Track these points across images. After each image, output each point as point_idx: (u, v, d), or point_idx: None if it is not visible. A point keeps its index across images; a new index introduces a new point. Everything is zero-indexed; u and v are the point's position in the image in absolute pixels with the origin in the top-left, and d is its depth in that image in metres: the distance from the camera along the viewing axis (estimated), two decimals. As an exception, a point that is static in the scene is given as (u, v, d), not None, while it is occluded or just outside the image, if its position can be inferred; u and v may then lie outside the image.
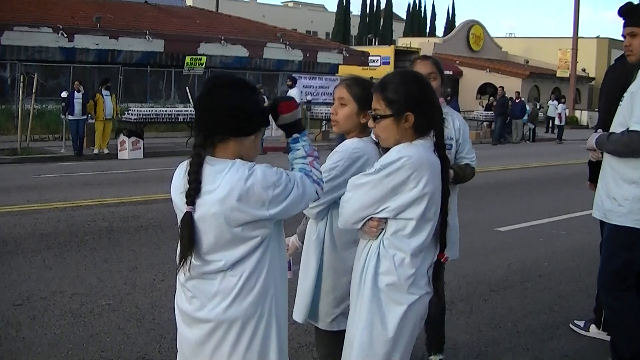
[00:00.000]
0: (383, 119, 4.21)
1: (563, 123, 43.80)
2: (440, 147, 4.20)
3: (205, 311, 3.77)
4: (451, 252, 5.75)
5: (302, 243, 5.13)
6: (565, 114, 45.38)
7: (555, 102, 48.70)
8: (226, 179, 3.65)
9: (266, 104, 3.94)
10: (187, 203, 3.69)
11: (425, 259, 4.20)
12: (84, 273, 9.54)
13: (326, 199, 4.61)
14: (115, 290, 8.78)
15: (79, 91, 25.94)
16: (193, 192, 3.68)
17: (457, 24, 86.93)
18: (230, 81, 3.84)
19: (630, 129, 5.60)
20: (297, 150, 3.90)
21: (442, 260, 4.28)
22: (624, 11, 5.96)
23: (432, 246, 4.24)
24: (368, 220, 4.19)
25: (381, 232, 4.20)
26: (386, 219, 4.16)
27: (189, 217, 3.70)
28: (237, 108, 3.73)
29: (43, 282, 9.09)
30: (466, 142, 6.17)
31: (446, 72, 63.56)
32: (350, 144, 4.74)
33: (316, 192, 3.86)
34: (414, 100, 4.17)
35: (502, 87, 40.99)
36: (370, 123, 4.36)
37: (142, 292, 8.75)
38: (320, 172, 3.93)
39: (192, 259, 3.75)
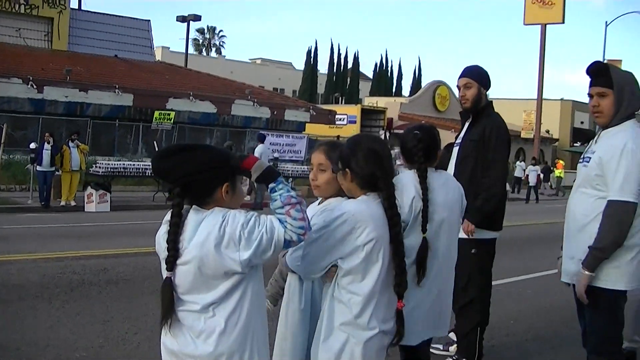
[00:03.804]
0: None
1: (534, 184, 44.40)
2: (386, 200, 4.58)
3: (191, 347, 4.00)
4: (442, 330, 5.94)
5: (274, 305, 5.25)
6: (538, 175, 45.99)
7: (523, 164, 49.30)
8: (203, 225, 3.94)
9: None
10: (167, 269, 3.99)
11: (381, 300, 4.50)
12: (57, 325, 9.56)
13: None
14: (88, 343, 8.80)
15: (48, 142, 25.96)
16: (172, 259, 3.98)
17: (423, 84, 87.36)
18: (185, 145, 4.15)
19: (610, 198, 5.54)
20: (275, 200, 4.00)
21: (399, 307, 4.57)
22: (592, 71, 5.88)
23: (388, 290, 4.55)
24: (331, 267, 4.52)
25: (335, 276, 4.54)
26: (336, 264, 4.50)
27: (169, 283, 3.99)
28: (202, 163, 4.01)
29: (17, 332, 9.11)
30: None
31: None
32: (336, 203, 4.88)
33: (292, 239, 3.94)
34: (349, 160, 4.66)
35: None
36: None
37: (116, 345, 8.78)
38: (303, 218, 3.96)
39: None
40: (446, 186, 5.84)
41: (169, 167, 4.02)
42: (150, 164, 30.20)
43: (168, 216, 4.06)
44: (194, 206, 4.06)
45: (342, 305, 4.50)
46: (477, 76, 7.75)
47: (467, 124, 7.91)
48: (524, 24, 59.84)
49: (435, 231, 5.61)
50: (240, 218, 3.91)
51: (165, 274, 4.00)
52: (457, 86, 7.85)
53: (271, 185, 4.04)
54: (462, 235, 6.82)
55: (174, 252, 3.95)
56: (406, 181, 5.62)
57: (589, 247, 5.58)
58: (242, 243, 3.86)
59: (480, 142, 7.58)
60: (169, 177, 4.06)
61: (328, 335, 4.53)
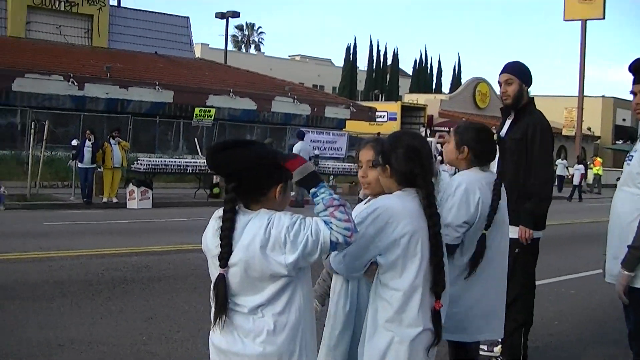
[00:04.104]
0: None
1: (577, 183, 44.15)
2: (425, 198, 4.50)
3: (239, 347, 3.98)
4: (497, 332, 5.92)
5: (322, 305, 5.24)
6: (582, 173, 45.66)
7: (565, 162, 48.99)
8: (249, 227, 3.90)
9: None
10: (220, 266, 3.94)
11: (425, 297, 4.46)
12: (100, 322, 9.58)
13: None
14: (131, 340, 8.80)
15: (89, 140, 26.09)
16: (225, 256, 3.92)
17: (463, 80, 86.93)
18: (244, 140, 4.12)
19: None
20: (317, 204, 3.96)
21: (437, 308, 4.48)
22: (634, 68, 5.77)
23: (427, 287, 4.47)
24: (372, 264, 4.50)
25: (376, 274, 4.51)
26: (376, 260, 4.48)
27: (222, 279, 3.94)
28: (259, 160, 3.97)
29: (60, 329, 9.13)
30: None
31: (452, 128, 64.00)
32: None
33: (338, 240, 3.87)
34: (389, 155, 4.63)
35: None
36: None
37: (158, 342, 8.78)
38: (348, 219, 3.90)
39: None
40: None
41: (224, 160, 3.99)
42: (191, 160, 30.46)
43: (219, 212, 4.03)
44: (241, 208, 4.01)
45: (384, 302, 4.47)
46: (518, 72, 7.70)
47: (508, 121, 7.85)
48: (564, 20, 59.45)
49: (494, 231, 5.69)
50: (285, 221, 3.87)
51: (217, 271, 3.97)
52: (498, 82, 7.79)
53: (312, 190, 4.00)
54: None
55: (227, 248, 3.91)
56: (474, 181, 5.69)
57: (627, 246, 5.50)
58: (287, 246, 3.83)
59: (523, 141, 7.51)
60: (223, 170, 4.06)
61: (373, 334, 4.50)
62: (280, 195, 4.04)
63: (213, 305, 4.00)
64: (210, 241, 4.04)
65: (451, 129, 6.19)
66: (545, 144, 7.55)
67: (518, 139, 7.53)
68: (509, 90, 7.61)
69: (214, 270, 4.00)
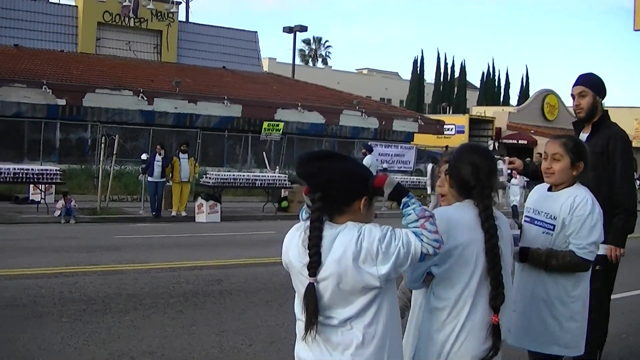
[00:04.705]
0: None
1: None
2: (482, 212, 4.50)
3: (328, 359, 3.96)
4: (577, 349, 5.80)
5: (401, 317, 5.20)
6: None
7: (635, 174, 48.43)
8: (338, 240, 3.89)
9: None
10: (310, 275, 3.90)
11: (475, 309, 4.45)
12: (172, 335, 9.56)
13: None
14: (203, 353, 8.78)
15: (160, 154, 26.30)
16: (315, 265, 3.89)
17: (531, 92, 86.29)
18: (335, 153, 4.15)
19: None
20: (409, 214, 3.96)
21: (493, 322, 4.44)
22: None
23: (481, 300, 4.46)
24: (427, 275, 4.54)
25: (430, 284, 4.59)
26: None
27: (312, 288, 3.91)
28: (347, 172, 3.97)
29: (132, 342, 9.13)
30: (578, 225, 5.58)
31: (521, 141, 62.92)
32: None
33: (428, 252, 3.89)
34: (451, 167, 4.75)
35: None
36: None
37: (231, 355, 8.73)
38: (437, 231, 3.94)
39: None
40: None
41: (315, 170, 3.98)
42: (259, 174, 30.58)
43: (305, 223, 4.03)
44: (327, 222, 3.99)
45: (435, 311, 4.51)
46: (592, 84, 7.50)
47: (583, 135, 7.65)
48: (634, 30, 58.68)
49: None
50: (376, 232, 3.86)
51: (304, 282, 3.94)
52: (572, 95, 7.60)
53: (404, 200, 4.00)
54: None
55: (317, 257, 3.88)
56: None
57: None
58: (379, 257, 3.83)
59: (605, 155, 7.30)
60: (312, 180, 4.02)
61: (423, 344, 4.57)
62: (365, 209, 4.01)
63: (302, 317, 3.98)
64: (294, 254, 4.03)
65: (551, 146, 5.97)
66: (628, 157, 7.35)
67: (599, 152, 7.30)
68: (582, 103, 7.41)
69: (300, 285, 4.00)
